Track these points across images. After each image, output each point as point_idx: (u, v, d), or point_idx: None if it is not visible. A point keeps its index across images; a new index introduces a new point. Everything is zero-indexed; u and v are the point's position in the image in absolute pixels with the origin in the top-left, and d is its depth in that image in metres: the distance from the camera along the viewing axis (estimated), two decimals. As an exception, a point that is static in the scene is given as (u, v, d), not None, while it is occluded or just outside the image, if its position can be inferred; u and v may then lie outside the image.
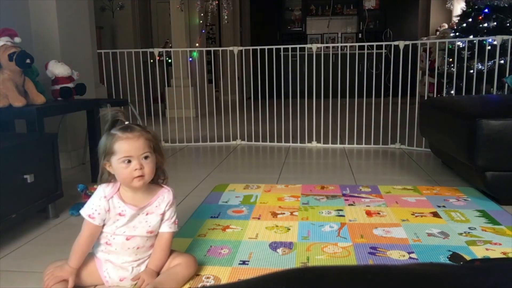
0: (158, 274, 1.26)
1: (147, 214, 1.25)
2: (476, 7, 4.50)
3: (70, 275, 1.20)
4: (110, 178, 1.24)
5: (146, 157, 1.20)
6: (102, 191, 1.22)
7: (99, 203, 1.21)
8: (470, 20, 4.55)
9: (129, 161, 1.18)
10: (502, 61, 3.47)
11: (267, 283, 0.39)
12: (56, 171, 1.85)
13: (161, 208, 1.26)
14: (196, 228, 1.72)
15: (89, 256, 1.27)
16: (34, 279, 1.32)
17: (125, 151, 1.17)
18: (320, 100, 3.60)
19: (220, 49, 4.01)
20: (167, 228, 1.27)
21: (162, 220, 1.27)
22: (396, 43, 3.31)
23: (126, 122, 1.23)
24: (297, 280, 0.39)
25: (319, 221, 1.77)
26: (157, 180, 1.29)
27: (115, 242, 1.24)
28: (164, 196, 1.27)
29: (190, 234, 1.65)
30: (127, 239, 1.24)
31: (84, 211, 1.22)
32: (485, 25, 4.36)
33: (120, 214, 1.22)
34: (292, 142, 3.59)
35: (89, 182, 2.32)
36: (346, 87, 3.75)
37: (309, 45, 3.54)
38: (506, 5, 4.30)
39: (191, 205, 2.03)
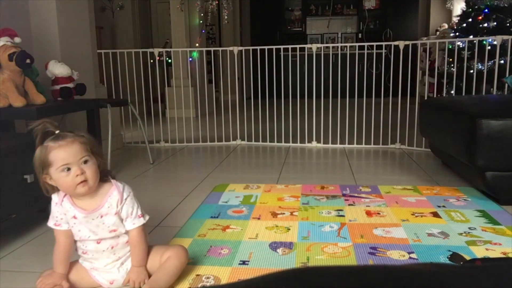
0: (145, 268, 1.26)
1: (101, 216, 1.20)
2: (476, 7, 4.50)
3: (62, 280, 1.21)
4: (55, 190, 1.20)
5: (85, 162, 1.16)
6: (54, 198, 1.22)
7: (56, 210, 1.21)
8: (470, 20, 4.55)
9: (69, 169, 1.13)
10: (502, 61, 3.47)
11: (267, 283, 0.39)
12: (56, 171, 1.85)
13: (113, 207, 1.21)
14: (196, 228, 1.72)
15: (77, 262, 1.28)
16: (34, 279, 1.32)
17: (62, 159, 1.13)
18: (320, 100, 3.60)
19: (220, 49, 4.01)
20: (131, 225, 1.23)
21: (121, 218, 1.23)
22: (396, 43, 3.31)
23: (57, 131, 1.17)
24: (297, 280, 0.39)
25: (319, 221, 1.77)
26: (104, 180, 1.24)
27: (89, 249, 1.23)
28: (113, 195, 1.22)
29: (190, 234, 1.65)
30: (98, 242, 1.22)
31: (49, 223, 1.23)
32: (485, 25, 4.36)
33: (74, 217, 1.20)
34: (292, 142, 3.59)
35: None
36: (346, 87, 3.75)
37: (309, 45, 3.54)
38: (506, 5, 4.30)
39: (191, 205, 2.03)
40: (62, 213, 1.20)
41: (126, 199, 1.23)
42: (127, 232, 1.25)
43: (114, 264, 1.26)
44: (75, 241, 1.25)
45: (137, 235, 1.24)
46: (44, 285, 1.19)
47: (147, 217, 1.27)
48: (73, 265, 1.27)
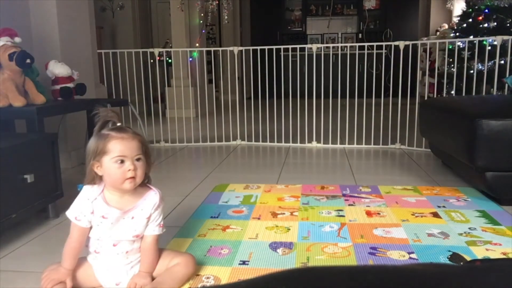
0: (151, 274, 1.26)
1: (132, 218, 1.22)
2: (476, 7, 4.50)
3: (67, 277, 1.20)
4: (96, 180, 1.20)
5: (138, 159, 1.18)
6: (85, 193, 1.21)
7: (85, 205, 1.19)
8: (470, 20, 4.55)
9: (122, 161, 1.15)
10: (502, 61, 3.47)
11: (267, 283, 0.39)
12: (56, 171, 1.85)
13: (146, 211, 1.23)
14: (196, 228, 1.72)
15: (85, 259, 1.27)
16: (34, 279, 1.32)
17: (120, 151, 1.15)
18: (320, 100, 3.60)
19: (220, 49, 4.01)
20: (150, 230, 1.24)
21: (148, 222, 1.24)
22: (396, 43, 3.31)
23: (118, 124, 1.20)
24: (297, 280, 0.39)
25: (319, 221, 1.77)
26: (144, 183, 1.26)
27: (103, 250, 1.23)
28: (151, 199, 1.24)
29: (190, 234, 1.65)
30: (114, 245, 1.22)
31: (69, 214, 1.20)
32: (485, 25, 4.36)
33: (103, 217, 1.19)
34: (292, 142, 3.59)
35: (89, 182, 2.32)
36: (346, 87, 3.75)
37: (309, 45, 3.54)
38: (506, 5, 4.30)
39: (191, 205, 2.03)
40: (89, 211, 1.19)
41: (160, 206, 1.26)
42: (142, 237, 1.26)
43: (125, 268, 1.25)
44: (89, 238, 1.23)
45: (151, 242, 1.25)
46: (49, 280, 1.18)
47: (164, 229, 1.29)
48: (81, 262, 1.25)
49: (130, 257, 1.25)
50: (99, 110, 1.20)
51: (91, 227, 1.22)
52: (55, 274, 1.19)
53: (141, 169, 1.18)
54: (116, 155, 1.15)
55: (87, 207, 1.19)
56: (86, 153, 1.19)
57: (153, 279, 1.25)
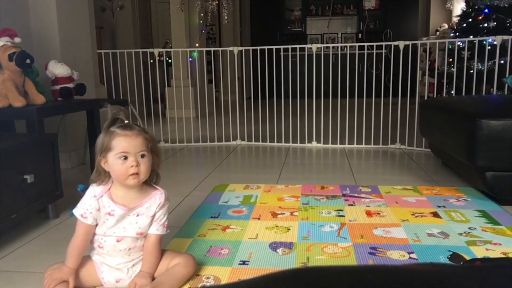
0: (152, 275, 1.26)
1: (137, 215, 1.23)
2: (476, 7, 4.50)
3: (69, 276, 1.20)
4: (104, 176, 1.23)
5: (142, 156, 1.20)
6: (92, 190, 1.23)
7: (90, 203, 1.21)
8: (470, 20, 4.55)
9: (126, 158, 1.17)
10: (502, 61, 3.47)
11: (267, 283, 0.39)
12: (56, 171, 1.85)
13: (151, 209, 1.24)
14: (196, 228, 1.72)
15: (88, 258, 1.27)
16: (34, 279, 1.32)
17: (123, 147, 1.17)
18: (320, 100, 3.60)
19: (220, 49, 4.01)
20: (154, 230, 1.25)
21: (152, 221, 1.26)
22: (396, 43, 3.31)
23: (126, 121, 1.23)
24: (297, 280, 0.39)
25: (319, 221, 1.77)
26: (150, 182, 1.28)
27: (107, 245, 1.24)
28: (156, 198, 1.26)
29: (190, 234, 1.65)
30: (118, 241, 1.23)
31: (76, 211, 1.22)
32: (485, 25, 4.36)
33: (109, 214, 1.21)
34: (292, 142, 3.59)
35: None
36: (346, 87, 3.75)
37: (309, 45, 3.54)
38: (506, 5, 4.30)
39: (191, 205, 2.03)
40: (95, 208, 1.21)
41: (164, 205, 1.27)
42: (145, 236, 1.27)
43: (126, 265, 1.26)
44: (94, 234, 1.24)
45: (154, 242, 1.26)
46: (51, 279, 1.19)
47: (168, 230, 1.30)
48: (83, 261, 1.26)
49: (132, 254, 1.26)
50: (109, 107, 1.23)
51: (96, 226, 1.23)
52: (58, 273, 1.20)
53: (145, 165, 1.20)
54: (119, 151, 1.17)
55: (93, 204, 1.21)
56: (95, 149, 1.22)
57: (153, 279, 1.26)
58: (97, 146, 1.21)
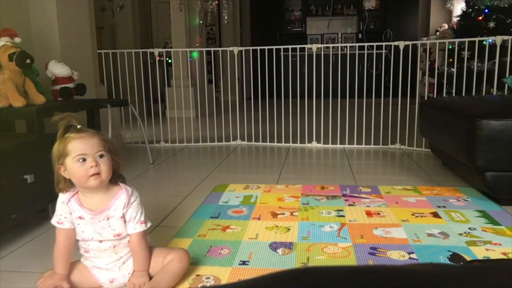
0: (147, 271, 1.26)
1: (108, 219, 1.22)
2: (476, 7, 4.50)
3: (62, 281, 1.21)
4: (66, 184, 1.21)
5: (101, 156, 1.18)
6: (60, 197, 1.23)
7: (62, 208, 1.22)
8: (470, 20, 4.55)
9: (84, 160, 1.16)
10: (502, 61, 3.47)
11: (267, 283, 0.39)
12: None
13: (119, 210, 1.22)
14: (196, 228, 1.72)
15: (79, 262, 1.28)
16: (34, 279, 1.32)
17: (79, 149, 1.15)
18: (320, 100, 3.60)
19: (220, 49, 4.01)
20: (132, 229, 1.24)
21: (125, 222, 1.24)
22: (396, 43, 3.31)
23: (79, 126, 1.20)
24: (297, 280, 0.39)
25: (319, 222, 1.77)
26: (115, 182, 1.26)
27: (91, 248, 1.24)
28: (121, 198, 1.23)
29: (190, 234, 1.65)
30: (100, 241, 1.23)
31: (53, 220, 1.23)
32: (485, 25, 4.36)
33: (80, 218, 1.21)
34: (292, 142, 3.59)
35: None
36: (346, 87, 3.75)
37: (309, 45, 3.54)
38: (506, 5, 4.30)
39: (191, 205, 2.03)
40: (67, 212, 1.21)
41: (132, 203, 1.24)
42: (126, 235, 1.26)
43: (116, 263, 1.26)
44: (77, 241, 1.25)
45: (137, 240, 1.25)
46: (44, 286, 1.19)
47: (149, 224, 1.27)
48: (75, 265, 1.27)
49: (119, 252, 1.26)
50: (58, 116, 1.19)
51: (75, 229, 1.23)
52: (50, 280, 1.21)
53: (105, 165, 1.18)
54: (76, 154, 1.15)
55: (64, 209, 1.21)
56: (51, 159, 1.19)
57: (150, 277, 1.26)
58: (53, 155, 1.18)
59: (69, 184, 1.21)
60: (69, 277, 1.24)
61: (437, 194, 2.12)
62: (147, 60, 4.21)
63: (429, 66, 6.21)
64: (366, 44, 3.73)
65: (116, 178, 1.25)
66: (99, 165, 1.17)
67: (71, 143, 1.16)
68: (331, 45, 3.87)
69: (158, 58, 5.10)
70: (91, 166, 1.15)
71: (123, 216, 1.23)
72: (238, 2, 7.98)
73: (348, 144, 3.54)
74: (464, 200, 2.02)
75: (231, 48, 3.63)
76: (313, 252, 1.48)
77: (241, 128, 3.75)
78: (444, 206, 1.93)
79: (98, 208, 1.22)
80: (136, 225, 1.24)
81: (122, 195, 1.23)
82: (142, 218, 1.25)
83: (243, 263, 1.40)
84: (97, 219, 1.21)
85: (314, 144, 3.55)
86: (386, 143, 3.41)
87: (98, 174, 1.16)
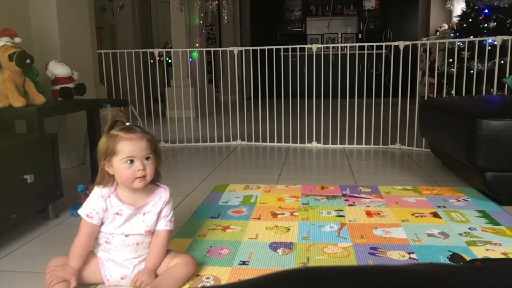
0: (155, 272, 1.26)
1: (144, 214, 1.25)
2: (476, 7, 4.50)
3: (72, 276, 1.20)
4: (108, 179, 1.23)
5: (147, 158, 1.21)
6: (99, 191, 1.23)
7: (97, 203, 1.22)
8: (470, 20, 4.55)
9: (132, 162, 1.18)
10: (502, 62, 3.47)
11: (267, 283, 0.39)
12: (56, 171, 1.85)
13: (157, 206, 1.27)
14: (196, 228, 1.72)
15: (91, 254, 1.27)
16: (34, 279, 1.32)
17: (129, 151, 1.18)
18: (320, 100, 3.60)
19: (220, 49, 4.01)
20: (163, 225, 1.28)
21: (158, 218, 1.28)
22: (396, 43, 3.31)
23: (127, 123, 1.24)
24: (297, 280, 0.39)
25: (319, 222, 1.77)
26: (154, 181, 1.30)
27: (114, 240, 1.25)
28: (161, 195, 1.28)
29: (190, 234, 1.65)
30: (126, 235, 1.25)
31: (82, 211, 1.22)
32: (485, 25, 4.36)
33: (117, 214, 1.23)
34: (292, 143, 3.59)
35: (89, 182, 2.32)
36: (346, 88, 3.75)
37: (309, 46, 3.54)
38: (506, 5, 4.30)
39: (191, 205, 2.03)
40: (102, 208, 1.21)
41: (169, 202, 1.30)
42: (153, 233, 1.28)
43: (132, 261, 1.27)
44: (99, 232, 1.25)
45: (164, 237, 1.28)
46: (54, 276, 1.19)
47: (174, 226, 1.33)
48: (87, 257, 1.26)
49: (139, 250, 1.27)
50: (109, 110, 1.24)
51: (100, 226, 1.24)
52: (61, 272, 1.20)
53: (150, 167, 1.21)
54: (125, 155, 1.18)
55: (100, 204, 1.21)
56: (97, 153, 1.22)
57: (156, 276, 1.26)
58: (100, 150, 1.21)
59: (111, 180, 1.23)
60: (79, 268, 1.23)
61: (437, 194, 2.12)
62: (147, 60, 4.21)
63: (429, 66, 6.21)
64: (366, 44, 3.73)
65: (155, 177, 1.29)
66: (146, 168, 1.20)
67: (121, 143, 1.18)
68: (331, 45, 3.87)
69: (158, 58, 5.10)
70: (139, 170, 1.18)
71: (159, 212, 1.27)
72: (238, 2, 7.98)
73: (348, 144, 3.54)
74: (464, 200, 2.02)
75: (231, 48, 3.63)
76: (313, 252, 1.48)
77: (241, 128, 3.75)
78: (444, 206, 1.93)
79: (138, 203, 1.25)
80: (167, 223, 1.29)
81: (162, 192, 1.28)
82: (173, 218, 1.31)
83: (243, 263, 1.40)
84: (134, 213, 1.24)
85: (314, 144, 3.55)
86: (386, 143, 3.41)
87: (144, 176, 1.20)
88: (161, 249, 1.28)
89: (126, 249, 1.25)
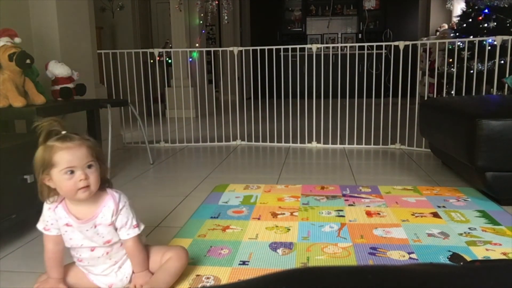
0: (147, 270, 1.26)
1: (95, 226, 1.17)
2: (476, 7, 4.50)
3: (58, 284, 1.20)
4: (50, 193, 1.15)
5: (89, 166, 1.11)
6: (46, 203, 1.18)
7: (48, 214, 1.17)
8: (470, 20, 4.55)
9: (72, 172, 1.09)
10: (502, 62, 3.47)
11: (267, 283, 0.39)
12: (56, 171, 1.85)
13: (106, 218, 1.17)
14: (196, 228, 1.72)
15: (74, 264, 1.27)
16: (34, 279, 1.32)
17: (67, 162, 1.08)
18: (320, 100, 3.60)
19: (220, 49, 4.01)
20: (125, 235, 1.20)
21: (115, 228, 1.19)
22: (396, 43, 3.31)
23: (63, 132, 1.13)
24: (297, 280, 0.39)
25: (319, 222, 1.77)
26: (104, 188, 1.20)
27: (84, 257, 1.21)
28: (108, 205, 1.17)
29: (190, 234, 1.65)
30: (92, 250, 1.20)
31: (39, 226, 1.20)
32: (485, 25, 4.36)
33: (67, 225, 1.16)
34: (292, 143, 3.59)
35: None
36: (346, 88, 3.75)
37: (309, 46, 3.54)
38: (506, 5, 4.30)
39: (191, 205, 2.03)
40: (54, 219, 1.17)
41: (121, 209, 1.19)
42: (117, 241, 1.22)
43: (112, 269, 1.24)
44: (68, 249, 1.22)
45: (133, 245, 1.21)
46: None
47: (142, 226, 1.23)
48: (70, 267, 1.25)
49: (113, 257, 1.23)
50: (40, 120, 1.13)
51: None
52: (47, 284, 1.20)
53: (93, 176, 1.12)
54: (64, 166, 1.09)
55: (51, 215, 1.17)
56: (34, 168, 1.12)
57: (152, 273, 1.26)
58: (36, 164, 1.11)
59: (54, 193, 1.15)
60: (65, 279, 1.22)
61: (437, 194, 2.12)
62: (147, 60, 4.21)
63: (429, 66, 6.21)
64: (366, 44, 3.73)
65: (103, 183, 1.19)
66: (89, 177, 1.11)
67: (58, 154, 1.08)
68: (331, 45, 3.87)
69: (158, 58, 5.10)
70: (80, 180, 1.09)
71: (112, 224, 1.18)
72: (238, 2, 7.98)
73: (348, 144, 3.54)
74: (464, 200, 2.02)
75: (231, 48, 3.63)
76: (313, 252, 1.48)
77: (241, 128, 3.75)
78: (444, 206, 1.93)
79: (86, 216, 1.16)
80: (129, 231, 1.20)
81: (109, 202, 1.18)
82: (134, 222, 1.21)
83: (243, 263, 1.40)
84: (85, 227, 1.16)
85: (314, 144, 3.55)
86: (386, 143, 3.41)
87: (87, 186, 1.11)
88: (138, 255, 1.23)
89: (99, 261, 1.22)
